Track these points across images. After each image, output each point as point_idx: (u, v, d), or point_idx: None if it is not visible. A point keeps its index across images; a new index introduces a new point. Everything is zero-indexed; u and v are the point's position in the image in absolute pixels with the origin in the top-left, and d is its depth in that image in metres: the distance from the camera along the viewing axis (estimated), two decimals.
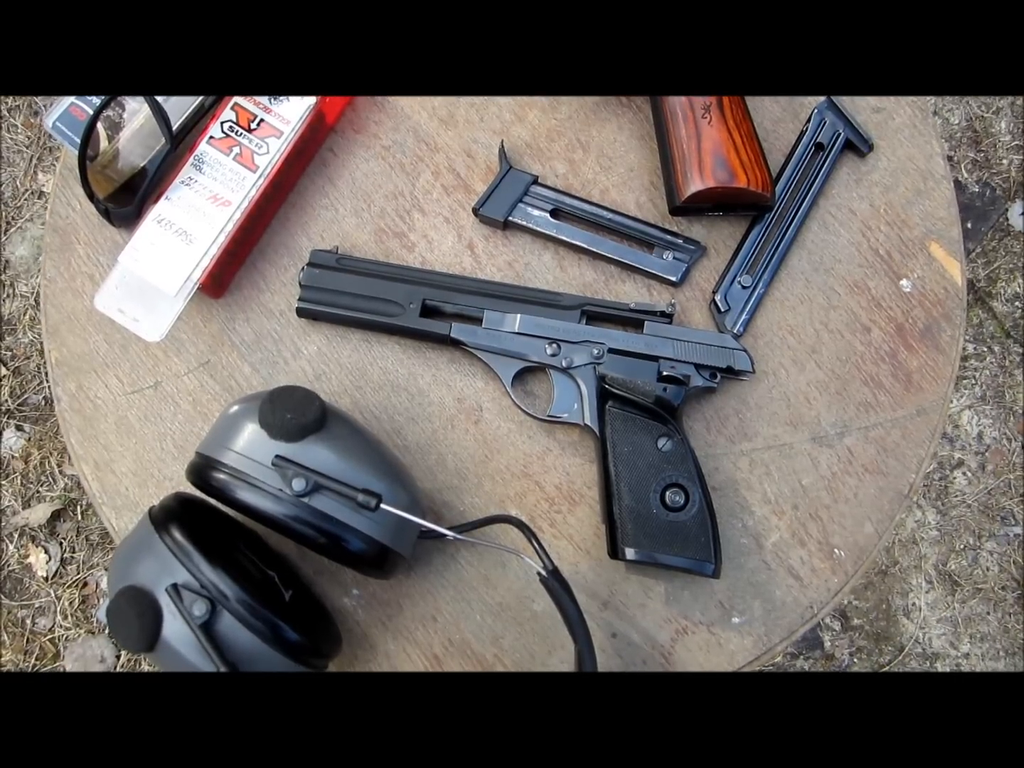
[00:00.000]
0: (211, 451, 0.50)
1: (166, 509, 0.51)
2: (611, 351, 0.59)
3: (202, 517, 0.53)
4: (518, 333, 0.60)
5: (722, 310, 0.62)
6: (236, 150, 0.59)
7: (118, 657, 1.20)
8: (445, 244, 0.64)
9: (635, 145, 0.65)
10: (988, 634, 1.26)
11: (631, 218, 0.63)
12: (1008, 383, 1.32)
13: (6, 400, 1.26)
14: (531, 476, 0.61)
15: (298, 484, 0.47)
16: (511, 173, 0.63)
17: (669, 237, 0.63)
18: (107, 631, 1.21)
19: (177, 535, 0.48)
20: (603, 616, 0.59)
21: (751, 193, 0.60)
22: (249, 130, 0.59)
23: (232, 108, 0.60)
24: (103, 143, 0.60)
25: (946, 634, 1.26)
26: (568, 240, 0.63)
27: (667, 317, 0.60)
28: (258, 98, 0.60)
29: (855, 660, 1.24)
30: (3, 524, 1.23)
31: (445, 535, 0.52)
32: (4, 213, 1.32)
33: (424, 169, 0.65)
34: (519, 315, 0.60)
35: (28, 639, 1.21)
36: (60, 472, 1.26)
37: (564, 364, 0.59)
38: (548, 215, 0.63)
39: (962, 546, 1.28)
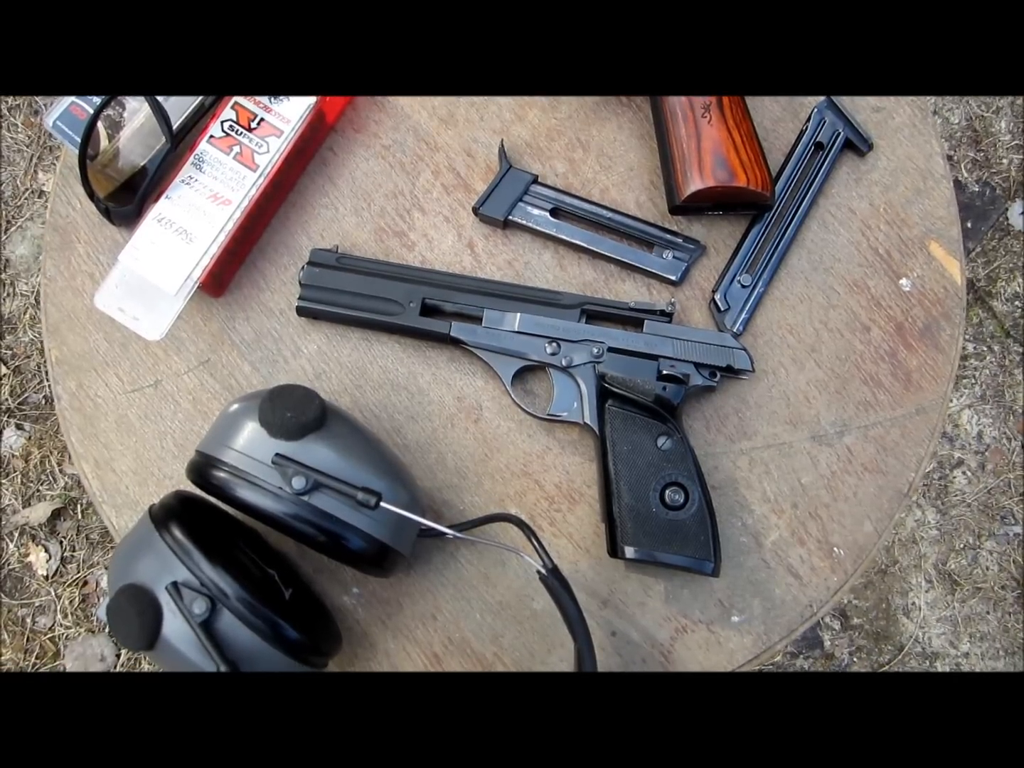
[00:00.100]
0: (211, 449, 0.50)
1: (166, 507, 0.51)
2: (611, 350, 0.59)
3: (202, 515, 0.53)
4: (518, 332, 0.60)
5: (722, 309, 0.62)
6: (236, 149, 0.59)
7: (118, 656, 1.20)
8: (445, 243, 0.64)
9: (635, 144, 0.65)
10: (988, 633, 1.26)
11: (631, 217, 0.63)
12: (1008, 382, 1.32)
13: (6, 399, 1.27)
14: (531, 475, 0.61)
15: (298, 482, 0.47)
16: (511, 172, 0.63)
17: (669, 236, 0.63)
18: (107, 629, 1.21)
19: (177, 533, 0.48)
20: (603, 614, 0.59)
21: (751, 192, 0.60)
22: (249, 129, 0.59)
23: (232, 107, 0.60)
24: (103, 142, 0.60)
25: (946, 633, 1.26)
26: (568, 239, 0.63)
27: (667, 316, 0.60)
28: (258, 97, 0.60)
29: (855, 659, 1.24)
30: (3, 523, 1.23)
31: (445, 533, 0.52)
32: (4, 212, 1.32)
33: (424, 168, 0.65)
34: (519, 314, 0.60)
35: (28, 638, 1.21)
36: (60, 471, 1.26)
37: (564, 363, 0.59)
38: (548, 214, 0.63)
39: (962, 545, 1.28)
